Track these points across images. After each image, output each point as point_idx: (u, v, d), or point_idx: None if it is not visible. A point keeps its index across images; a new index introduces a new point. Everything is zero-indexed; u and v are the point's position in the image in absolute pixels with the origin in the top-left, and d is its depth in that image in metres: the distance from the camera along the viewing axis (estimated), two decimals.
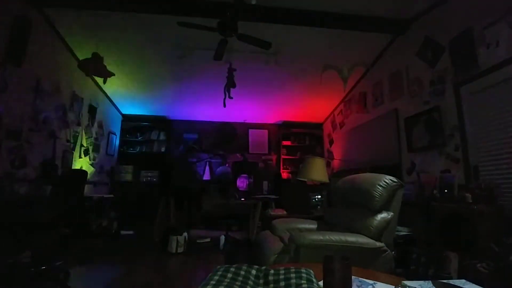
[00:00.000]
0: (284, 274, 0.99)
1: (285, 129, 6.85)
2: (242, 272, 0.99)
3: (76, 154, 4.58)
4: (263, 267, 1.06)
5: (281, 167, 6.70)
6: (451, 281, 0.91)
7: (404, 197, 2.05)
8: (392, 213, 1.92)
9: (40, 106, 3.57)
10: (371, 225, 1.87)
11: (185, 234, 3.60)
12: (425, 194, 2.94)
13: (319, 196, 3.77)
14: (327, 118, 6.61)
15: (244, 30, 3.27)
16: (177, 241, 3.47)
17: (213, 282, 0.91)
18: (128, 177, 5.98)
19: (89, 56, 3.73)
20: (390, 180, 1.96)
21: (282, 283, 0.94)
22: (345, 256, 0.84)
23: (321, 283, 0.88)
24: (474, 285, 0.89)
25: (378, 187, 1.93)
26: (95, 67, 3.76)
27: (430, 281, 0.88)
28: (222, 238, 3.88)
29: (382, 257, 1.79)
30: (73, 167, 4.42)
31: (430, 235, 2.52)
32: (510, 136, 2.35)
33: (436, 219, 2.46)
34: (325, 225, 2.56)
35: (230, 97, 3.98)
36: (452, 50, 2.97)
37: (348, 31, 3.71)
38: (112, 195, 5.05)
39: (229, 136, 6.87)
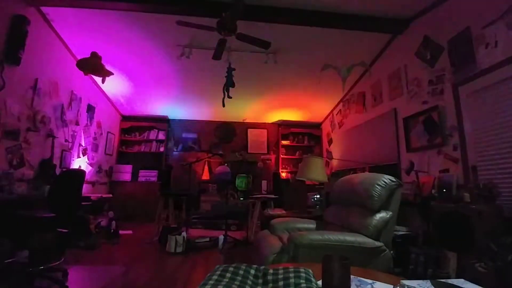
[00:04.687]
0: (283, 273, 0.98)
1: (284, 128, 6.85)
2: (241, 272, 0.98)
3: (74, 153, 4.58)
4: (262, 267, 1.06)
5: (280, 166, 6.70)
6: (450, 281, 0.90)
7: (402, 197, 2.05)
8: (390, 213, 1.92)
9: (38, 105, 3.56)
10: (370, 225, 1.87)
11: (184, 233, 3.60)
12: (424, 194, 2.95)
13: (318, 196, 3.76)
14: (326, 118, 6.61)
15: (243, 30, 3.27)
16: (176, 241, 3.46)
17: (211, 281, 0.91)
18: (127, 176, 5.99)
19: (88, 55, 3.72)
20: (389, 179, 1.96)
21: (281, 283, 0.93)
22: (344, 255, 0.84)
23: (320, 282, 0.88)
24: (472, 284, 0.89)
25: (377, 186, 1.93)
26: (94, 67, 3.75)
27: (429, 281, 0.88)
28: (221, 237, 3.88)
29: (381, 257, 1.79)
30: (71, 167, 4.42)
31: (428, 234, 2.52)
32: (508, 136, 2.35)
33: (434, 218, 2.46)
34: (324, 224, 2.56)
35: (229, 97, 3.97)
36: (451, 50, 2.97)
37: (347, 31, 3.71)
38: (110, 195, 5.05)
39: (228, 135, 6.87)
